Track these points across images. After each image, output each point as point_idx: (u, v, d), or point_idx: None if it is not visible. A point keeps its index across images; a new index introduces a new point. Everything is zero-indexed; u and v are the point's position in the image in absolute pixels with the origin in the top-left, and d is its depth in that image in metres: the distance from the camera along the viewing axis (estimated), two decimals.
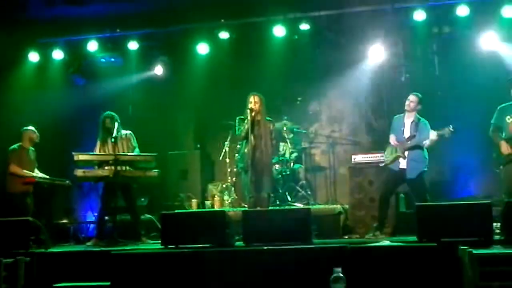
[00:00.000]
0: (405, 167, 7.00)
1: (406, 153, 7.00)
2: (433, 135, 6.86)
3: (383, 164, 7.29)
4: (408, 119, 7.10)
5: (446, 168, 8.75)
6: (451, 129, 6.78)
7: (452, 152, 8.42)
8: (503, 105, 6.83)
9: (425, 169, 6.99)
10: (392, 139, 7.15)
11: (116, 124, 7.15)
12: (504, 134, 6.71)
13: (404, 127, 7.11)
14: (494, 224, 5.75)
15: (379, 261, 4.89)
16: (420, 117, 7.07)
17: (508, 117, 6.71)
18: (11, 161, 7.74)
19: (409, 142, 6.99)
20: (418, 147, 6.98)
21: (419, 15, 8.42)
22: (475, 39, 8.54)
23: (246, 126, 7.20)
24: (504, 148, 6.61)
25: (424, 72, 8.90)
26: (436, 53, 8.93)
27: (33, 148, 7.95)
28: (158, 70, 9.70)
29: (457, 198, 8.34)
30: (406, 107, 7.10)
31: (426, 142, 6.92)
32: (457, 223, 5.43)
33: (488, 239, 5.39)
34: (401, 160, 7.02)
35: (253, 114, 7.17)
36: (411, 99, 7.09)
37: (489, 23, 8.38)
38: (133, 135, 7.46)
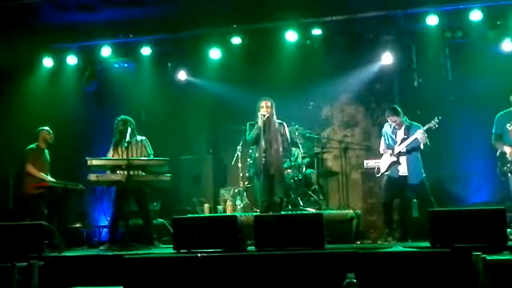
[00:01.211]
0: (405, 173, 7.03)
1: (402, 158, 7.03)
2: (419, 132, 6.92)
3: (379, 174, 7.32)
4: (400, 127, 7.23)
5: (459, 174, 8.70)
6: (436, 120, 6.87)
7: (465, 157, 8.38)
8: (501, 113, 6.87)
9: (424, 174, 7.03)
10: (381, 146, 7.32)
11: (130, 129, 7.19)
12: (508, 142, 6.70)
13: (396, 132, 7.21)
14: (508, 230, 5.71)
15: (391, 267, 4.87)
16: (412, 122, 7.14)
17: (509, 124, 6.72)
18: (27, 161, 7.80)
19: (402, 145, 7.03)
20: (414, 150, 7.00)
21: (432, 20, 8.39)
22: (488, 43, 8.50)
23: (257, 131, 7.21)
24: (510, 150, 6.59)
25: (437, 76, 8.86)
26: (449, 57, 8.89)
27: (47, 151, 8.02)
28: (182, 75, 9.74)
29: (470, 203, 8.28)
30: (393, 124, 7.22)
31: (420, 141, 6.97)
32: (471, 228, 5.40)
33: (502, 244, 5.34)
34: (400, 167, 7.05)
35: (264, 118, 7.18)
36: (393, 120, 7.20)
37: (502, 27, 8.34)
38: (148, 142, 7.50)
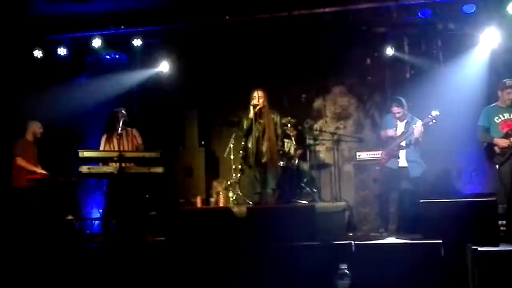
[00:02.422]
0: (405, 165, 7.06)
1: (402, 152, 7.04)
2: (417, 128, 6.93)
3: (379, 166, 7.33)
4: (402, 120, 7.24)
5: (451, 166, 8.73)
6: (433, 114, 6.90)
7: (457, 149, 8.41)
8: (489, 106, 6.88)
9: (424, 168, 7.06)
10: (382, 135, 7.32)
11: (122, 121, 7.16)
12: (495, 136, 6.71)
13: (397, 124, 7.21)
14: (500, 221, 5.74)
15: (384, 258, 4.89)
16: (413, 117, 7.14)
17: (496, 117, 6.74)
18: (16, 153, 7.75)
19: (401, 139, 7.03)
20: (415, 144, 6.99)
21: (425, 12, 8.39)
22: (480, 36, 8.51)
23: (249, 122, 7.20)
24: (502, 142, 6.59)
25: (429, 69, 8.88)
26: (441, 49, 8.90)
27: (35, 144, 7.98)
28: (164, 66, 9.68)
29: (462, 195, 8.31)
30: (396, 116, 7.24)
31: (416, 136, 6.99)
32: (462, 220, 5.42)
33: (494, 236, 5.37)
34: (399, 159, 7.07)
35: (256, 109, 7.17)
36: (397, 111, 7.25)
37: (494, 20, 8.35)
38: (139, 133, 7.47)
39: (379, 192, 7.29)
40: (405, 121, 7.24)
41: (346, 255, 4.80)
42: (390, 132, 7.25)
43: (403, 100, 7.28)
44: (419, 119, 7.19)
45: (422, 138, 7.06)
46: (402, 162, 7.10)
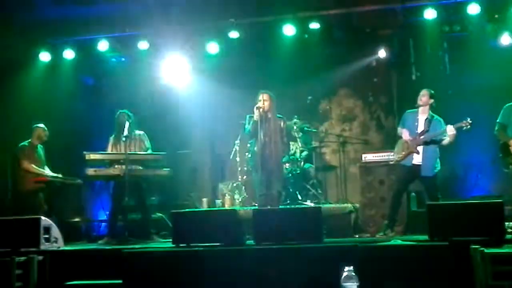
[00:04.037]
0: (419, 163, 6.89)
1: (419, 148, 6.94)
2: (450, 129, 6.75)
3: (393, 162, 7.23)
4: (422, 115, 7.03)
5: (458, 167, 8.72)
6: (469, 121, 6.70)
7: (464, 150, 8.39)
8: (510, 103, 6.81)
9: (439, 168, 6.97)
10: (405, 134, 7.06)
11: (128, 123, 7.17)
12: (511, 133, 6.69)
13: (418, 122, 7.03)
14: (506, 223, 5.72)
15: (390, 260, 4.88)
16: (434, 114, 7.03)
17: None
18: (22, 158, 7.79)
19: (422, 137, 6.94)
20: (433, 143, 6.92)
21: (430, 13, 8.38)
22: (486, 37, 8.50)
23: (254, 124, 7.20)
24: None
25: (435, 70, 8.87)
26: (447, 51, 8.90)
27: (41, 146, 8.02)
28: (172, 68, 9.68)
29: (469, 197, 8.31)
30: (419, 102, 7.02)
31: (446, 139, 6.81)
32: (469, 222, 5.39)
33: (500, 238, 5.35)
34: (414, 155, 6.95)
35: (261, 111, 7.17)
36: (423, 93, 7.03)
37: (500, 21, 8.34)
38: (146, 136, 7.50)
39: (393, 191, 7.19)
40: (425, 117, 7.06)
41: (352, 257, 4.80)
42: (405, 135, 7.10)
43: (433, 92, 7.11)
44: (439, 117, 7.02)
45: (450, 143, 6.90)
46: (417, 159, 6.97)
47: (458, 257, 4.85)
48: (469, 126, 6.71)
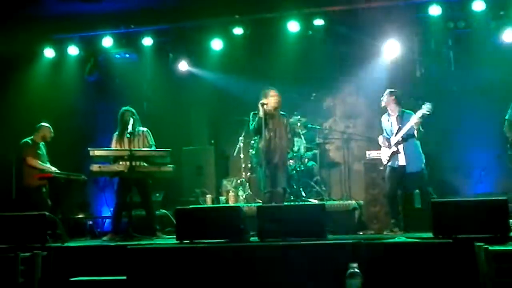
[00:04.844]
0: (404, 163, 7.03)
1: (400, 147, 7.04)
2: (413, 118, 6.87)
3: (383, 165, 7.32)
4: (393, 115, 7.21)
5: (461, 164, 8.70)
6: (428, 106, 6.76)
7: (467, 148, 8.38)
8: None
9: (424, 162, 7.02)
10: (380, 139, 7.29)
11: (132, 120, 7.18)
12: None
13: (391, 122, 7.21)
14: (511, 220, 5.71)
15: (394, 257, 4.88)
16: (405, 110, 7.13)
17: None
18: (26, 154, 7.81)
19: (398, 135, 7.06)
20: (410, 137, 7.00)
21: (435, 10, 8.37)
22: (491, 34, 8.47)
23: (259, 121, 7.20)
24: None
25: (439, 67, 8.85)
26: (452, 48, 8.87)
27: (43, 143, 8.03)
28: (183, 66, 9.69)
29: (473, 194, 8.29)
30: (382, 105, 7.26)
31: (414, 128, 6.90)
32: (473, 219, 5.37)
33: (504, 235, 5.33)
34: (399, 157, 7.06)
35: (265, 108, 7.17)
36: (382, 98, 7.21)
37: (505, 17, 8.31)
38: (150, 133, 7.50)
39: (387, 191, 7.25)
40: (396, 115, 7.18)
41: (356, 254, 4.80)
42: (380, 140, 7.27)
43: (393, 90, 7.23)
44: (409, 111, 7.11)
45: (418, 131, 6.96)
46: (401, 159, 7.07)
47: (462, 255, 4.84)
48: (429, 112, 6.76)
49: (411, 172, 7.02)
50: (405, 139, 7.04)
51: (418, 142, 7.06)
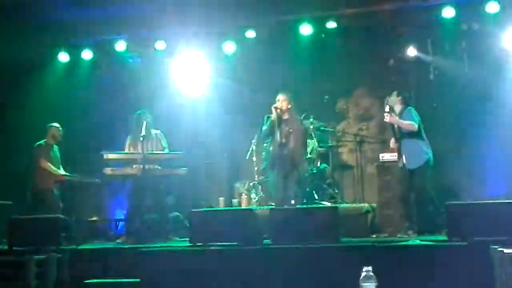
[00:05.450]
0: (405, 161, 7.05)
1: (401, 146, 7.08)
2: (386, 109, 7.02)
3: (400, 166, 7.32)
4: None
5: (476, 167, 8.62)
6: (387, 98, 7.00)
7: (482, 150, 8.31)
8: None
9: (426, 160, 6.92)
10: (391, 142, 7.35)
11: (145, 123, 7.21)
12: None
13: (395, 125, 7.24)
14: None
15: (409, 260, 4.85)
16: (406, 108, 7.12)
17: None
18: (39, 156, 7.87)
19: (394, 135, 7.13)
20: (407, 136, 6.98)
21: (448, 12, 8.32)
22: (505, 36, 8.41)
23: (271, 123, 7.20)
24: None
25: (453, 69, 8.79)
26: (466, 50, 8.81)
27: (57, 146, 8.08)
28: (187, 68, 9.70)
29: (488, 197, 8.21)
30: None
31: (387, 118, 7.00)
32: (488, 222, 5.33)
33: None
34: (404, 156, 7.06)
35: (278, 112, 7.16)
36: (386, 100, 7.28)
37: None
38: (163, 136, 7.52)
39: (400, 193, 7.22)
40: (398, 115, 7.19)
41: (370, 257, 4.77)
42: (391, 143, 7.33)
43: (396, 93, 7.26)
44: (411, 107, 7.14)
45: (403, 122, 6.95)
46: (404, 158, 7.07)
47: (477, 258, 4.80)
48: (388, 102, 7.00)
49: (409, 169, 7.00)
50: (401, 137, 7.04)
51: (418, 140, 6.98)
